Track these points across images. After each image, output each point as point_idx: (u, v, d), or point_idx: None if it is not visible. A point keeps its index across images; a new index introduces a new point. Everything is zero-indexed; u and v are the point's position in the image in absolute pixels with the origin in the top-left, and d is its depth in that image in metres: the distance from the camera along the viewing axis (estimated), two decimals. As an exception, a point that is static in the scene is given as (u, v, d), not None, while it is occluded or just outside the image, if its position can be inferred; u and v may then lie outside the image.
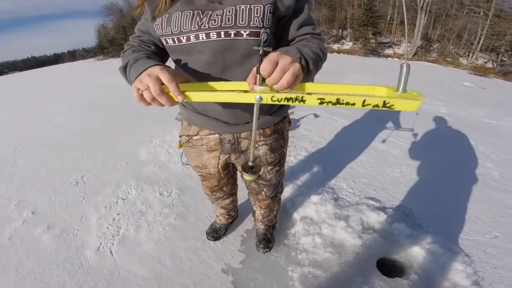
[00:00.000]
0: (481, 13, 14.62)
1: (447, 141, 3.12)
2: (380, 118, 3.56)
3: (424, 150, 2.75)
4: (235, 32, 0.68)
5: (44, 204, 2.06)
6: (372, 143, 2.85)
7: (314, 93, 0.49)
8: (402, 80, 0.48)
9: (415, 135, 3.11)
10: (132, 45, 0.80)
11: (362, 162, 2.48)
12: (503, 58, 13.37)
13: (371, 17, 15.07)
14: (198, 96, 0.58)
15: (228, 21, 0.68)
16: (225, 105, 0.85)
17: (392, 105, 0.46)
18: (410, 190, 2.11)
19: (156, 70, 0.59)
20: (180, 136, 1.08)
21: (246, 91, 0.56)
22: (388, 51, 14.98)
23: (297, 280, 1.39)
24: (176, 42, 0.72)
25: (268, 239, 1.54)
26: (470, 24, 14.70)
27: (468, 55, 14.43)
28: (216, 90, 0.64)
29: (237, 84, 0.62)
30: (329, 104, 0.48)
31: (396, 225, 1.71)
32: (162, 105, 0.59)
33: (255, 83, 0.55)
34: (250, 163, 0.67)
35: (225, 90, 0.63)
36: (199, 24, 0.69)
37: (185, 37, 0.71)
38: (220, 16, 0.68)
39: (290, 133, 2.95)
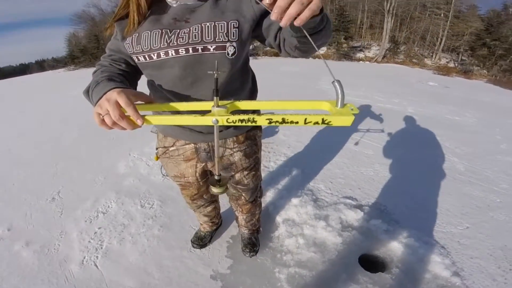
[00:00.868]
0: (442, 15, 15.62)
1: (415, 139, 3.34)
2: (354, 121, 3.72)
3: (394, 149, 2.92)
4: (202, 47, 0.72)
5: (20, 221, 1.97)
6: (346, 145, 2.98)
7: (263, 114, 0.53)
8: (340, 96, 0.51)
9: (385, 135, 3.29)
10: (103, 65, 0.80)
11: (338, 163, 2.59)
12: (463, 58, 14.37)
13: (342, 22, 15.55)
14: (158, 119, 0.60)
15: (195, 38, 0.71)
16: None
17: (330, 121, 0.50)
18: (384, 187, 2.23)
19: (114, 95, 0.59)
20: (157, 148, 1.10)
21: (207, 111, 0.57)
22: (360, 55, 15.60)
23: (285, 281, 1.44)
24: (148, 59, 0.75)
25: (253, 243, 1.58)
26: (432, 26, 15.67)
27: (432, 55, 15.36)
28: (177, 112, 0.65)
29: (198, 104, 0.64)
30: (277, 123, 0.52)
31: (373, 222, 1.79)
32: (124, 129, 0.60)
33: (213, 105, 0.56)
34: (216, 177, 0.66)
35: (186, 111, 0.64)
36: (168, 41, 0.72)
37: (155, 54, 0.74)
38: (187, 34, 0.72)
39: (270, 139, 3.03)
